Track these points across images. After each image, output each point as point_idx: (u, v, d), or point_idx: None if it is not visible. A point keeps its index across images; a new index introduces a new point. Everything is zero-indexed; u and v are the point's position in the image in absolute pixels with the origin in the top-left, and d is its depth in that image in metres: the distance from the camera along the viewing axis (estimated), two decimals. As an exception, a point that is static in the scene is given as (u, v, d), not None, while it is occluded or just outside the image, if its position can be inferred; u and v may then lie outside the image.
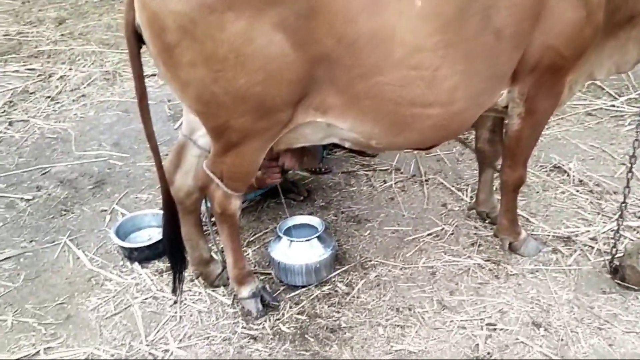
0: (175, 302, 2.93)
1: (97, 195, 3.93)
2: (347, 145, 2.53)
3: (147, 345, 2.70)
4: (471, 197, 3.68)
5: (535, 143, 2.86)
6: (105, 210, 3.76)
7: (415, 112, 2.27)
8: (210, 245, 3.04)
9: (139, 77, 2.27)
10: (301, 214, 3.48)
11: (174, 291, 2.74)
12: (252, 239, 3.40)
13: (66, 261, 3.32)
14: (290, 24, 2.03)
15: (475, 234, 3.35)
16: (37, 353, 2.72)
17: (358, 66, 2.13)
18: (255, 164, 2.46)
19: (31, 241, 3.50)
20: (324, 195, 3.77)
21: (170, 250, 2.61)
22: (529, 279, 2.99)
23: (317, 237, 2.99)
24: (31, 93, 5.39)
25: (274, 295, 2.93)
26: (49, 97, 5.29)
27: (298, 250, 2.94)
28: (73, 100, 5.26)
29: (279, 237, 3.01)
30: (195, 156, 2.69)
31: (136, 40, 2.23)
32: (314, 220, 3.12)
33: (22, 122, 4.91)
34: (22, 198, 3.89)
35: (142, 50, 2.33)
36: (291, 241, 2.97)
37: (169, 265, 2.73)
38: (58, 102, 5.23)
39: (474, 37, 2.21)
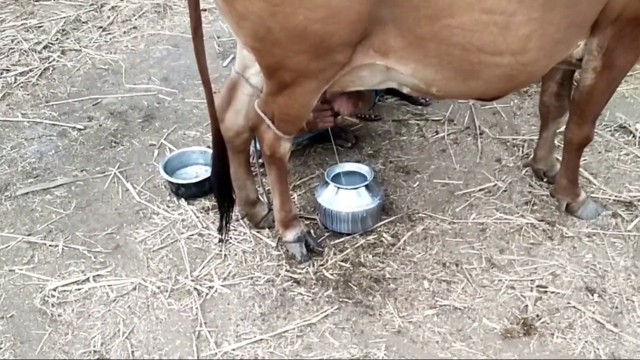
0: (220, 241, 2.94)
1: (145, 130, 3.93)
2: (405, 90, 2.41)
3: (192, 280, 2.73)
4: (527, 153, 3.52)
5: (607, 100, 2.67)
6: (154, 145, 3.76)
7: (484, 60, 2.12)
8: (257, 186, 3.01)
9: (195, 6, 2.18)
10: (349, 161, 3.41)
11: (220, 230, 2.73)
12: (298, 183, 3.35)
13: (115, 192, 3.36)
14: None
15: (529, 192, 3.21)
16: (87, 280, 2.79)
17: (426, 6, 1.99)
18: (309, 107, 2.37)
19: (82, 170, 3.55)
20: (373, 143, 3.67)
21: (219, 189, 2.59)
22: (585, 243, 2.86)
23: (365, 185, 2.91)
24: (83, 22, 5.37)
25: (319, 240, 2.90)
26: (100, 27, 5.26)
27: (345, 198, 2.89)
28: (124, 32, 5.23)
29: (327, 183, 2.95)
30: (247, 94, 2.62)
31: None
32: (362, 168, 3.04)
33: (74, 51, 4.92)
34: (74, 127, 3.93)
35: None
36: (338, 188, 2.90)
37: (216, 204, 2.71)
38: (109, 33, 5.20)
39: (555, -20, 2.03)
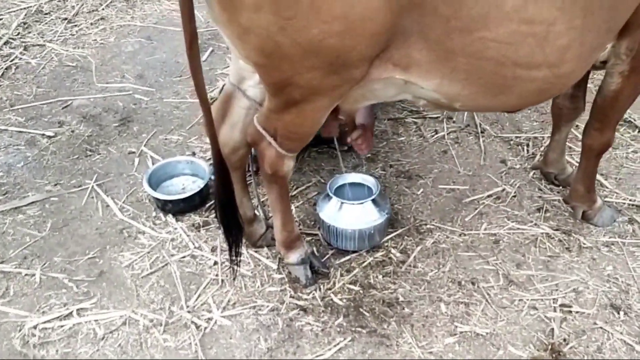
0: (215, 264, 2.70)
1: (123, 135, 3.63)
2: (420, 103, 2.19)
3: (189, 311, 2.49)
4: (532, 153, 3.36)
5: (631, 105, 2.50)
6: (133, 153, 3.47)
7: (519, 75, 1.91)
8: (252, 197, 2.76)
9: (190, 17, 1.89)
10: (347, 166, 3.19)
11: (231, 261, 2.46)
12: (294, 193, 3.12)
13: (95, 209, 3.08)
14: None
15: (540, 197, 3.05)
16: (70, 314, 2.52)
17: (458, 17, 1.76)
18: (317, 124, 2.13)
19: (56, 184, 3.24)
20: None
21: (224, 218, 2.32)
22: (603, 253, 2.72)
23: (372, 199, 2.70)
24: (46, 14, 4.98)
25: (323, 260, 2.69)
26: (65, 19, 4.88)
27: (350, 214, 2.67)
28: (91, 24, 4.86)
29: (329, 197, 2.73)
30: (243, 108, 2.36)
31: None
32: (368, 180, 2.82)
33: (38, 47, 4.54)
34: (43, 134, 3.61)
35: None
36: (342, 203, 2.68)
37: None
38: (75, 25, 4.83)
39: (596, -15, 1.82)
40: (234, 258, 2.41)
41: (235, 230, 2.36)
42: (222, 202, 2.29)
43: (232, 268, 2.55)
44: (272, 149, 2.25)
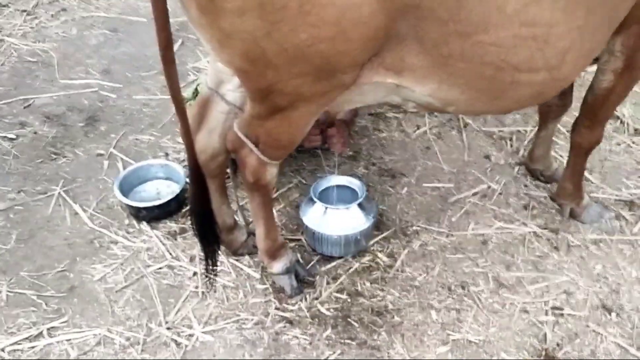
0: (194, 274, 2.57)
1: (90, 135, 3.44)
2: (408, 106, 2.08)
3: (168, 327, 2.36)
4: (516, 148, 3.29)
5: (621, 102, 2.44)
6: (102, 155, 3.29)
7: (517, 79, 1.82)
8: (232, 201, 2.63)
9: (164, 23, 1.74)
10: (328, 166, 3.07)
11: (208, 275, 2.34)
12: (274, 195, 2.99)
13: (62, 217, 2.90)
14: None
15: (526, 194, 2.99)
16: (40, 335, 2.36)
17: (457, 21, 1.65)
18: (303, 131, 2.01)
19: (19, 191, 3.05)
20: (351, 143, 3.33)
21: (201, 229, 2.19)
22: (592, 252, 2.68)
23: (358, 203, 2.60)
24: (4, 6, 4.68)
25: (308, 267, 2.58)
26: (24, 10, 4.60)
27: (335, 219, 2.56)
28: (52, 16, 4.59)
29: (313, 201, 2.61)
30: (222, 113, 2.22)
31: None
32: (353, 182, 2.71)
33: (-5, 41, 4.27)
34: (4, 137, 3.39)
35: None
36: (327, 208, 2.57)
37: (200, 248, 2.31)
38: (36, 17, 4.55)
39: (598, -18, 1.73)
40: (211, 269, 2.29)
41: (212, 241, 2.23)
42: (198, 212, 2.15)
43: (212, 279, 2.42)
44: (254, 157, 2.12)
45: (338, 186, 2.73)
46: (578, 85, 2.82)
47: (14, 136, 3.40)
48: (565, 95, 2.66)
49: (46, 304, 2.49)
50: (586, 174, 3.07)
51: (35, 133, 3.44)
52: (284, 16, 1.55)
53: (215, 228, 2.26)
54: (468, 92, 1.85)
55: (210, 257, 2.29)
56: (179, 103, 1.91)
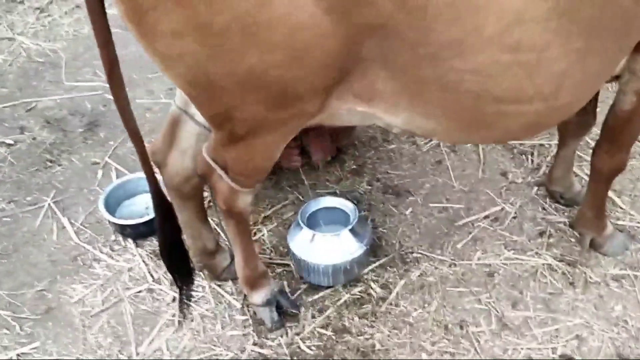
0: (174, 300, 2.42)
1: (88, 142, 3.33)
2: (394, 131, 1.85)
3: (138, 360, 2.22)
4: (537, 164, 2.99)
5: (648, 126, 2.13)
6: (97, 164, 3.17)
7: (503, 110, 1.56)
8: (214, 231, 2.46)
9: (105, 46, 1.59)
10: (328, 180, 2.86)
11: (181, 308, 2.20)
12: (268, 213, 2.81)
13: (49, 231, 2.80)
14: None
15: (543, 218, 2.70)
16: (9, 361, 2.26)
17: (427, 44, 1.41)
18: (271, 160, 1.81)
19: (10, 201, 2.97)
20: (356, 155, 3.11)
21: (170, 263, 2.03)
22: (613, 289, 2.39)
23: (349, 229, 2.38)
24: (19, 2, 4.63)
25: (294, 298, 2.39)
26: (38, 8, 4.54)
27: (323, 246, 2.36)
28: (65, 13, 4.51)
29: (301, 226, 2.41)
30: (193, 134, 2.05)
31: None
32: (345, 205, 2.50)
33: (6, 40, 4.22)
34: (2, 142, 3.32)
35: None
36: (314, 234, 2.36)
37: (171, 280, 2.16)
38: (49, 15, 4.49)
39: (604, 1, 1.44)
40: (185, 300, 2.13)
41: (183, 272, 2.07)
42: (166, 245, 1.99)
43: (188, 308, 2.27)
44: (224, 183, 1.94)
45: (330, 208, 2.51)
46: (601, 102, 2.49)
47: (11, 142, 3.32)
48: (587, 112, 2.36)
49: (20, 327, 2.40)
50: (613, 196, 2.76)
51: (33, 139, 3.35)
52: (227, 39, 1.35)
53: (186, 257, 2.09)
54: (446, 122, 1.60)
55: (182, 287, 2.14)
56: (133, 127, 1.75)
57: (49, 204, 2.92)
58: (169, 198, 2.11)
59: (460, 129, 1.63)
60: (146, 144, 3.21)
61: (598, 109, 2.47)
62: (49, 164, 3.19)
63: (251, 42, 1.36)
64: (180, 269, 2.09)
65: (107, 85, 3.76)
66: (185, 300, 2.17)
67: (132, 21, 1.43)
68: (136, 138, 1.81)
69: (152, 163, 1.98)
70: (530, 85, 1.51)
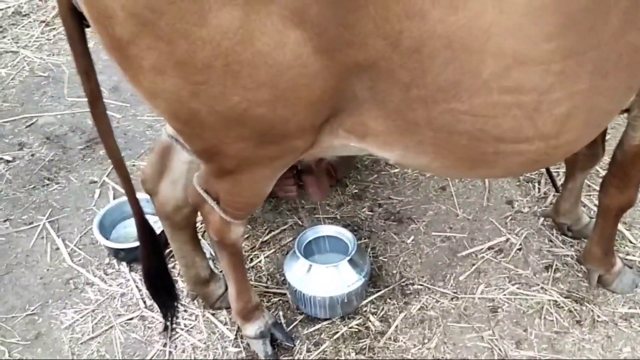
0: (166, 329, 2.35)
1: (87, 160, 3.29)
2: (390, 162, 1.77)
3: (126, 393, 2.15)
4: (544, 192, 2.90)
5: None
6: (95, 182, 3.12)
7: (502, 150, 1.49)
8: (211, 259, 2.40)
9: (86, 74, 1.54)
10: (329, 204, 2.78)
11: (166, 330, 2.14)
12: (265, 238, 2.74)
13: (43, 252, 2.75)
14: (313, 17, 1.23)
15: (549, 251, 2.61)
16: (-6, 390, 2.20)
17: (421, 85, 1.34)
18: (261, 195, 1.75)
19: (6, 220, 2.92)
20: (358, 179, 3.03)
21: (154, 292, 1.97)
22: (621, 329, 2.29)
23: (348, 259, 2.30)
24: (24, 15, 4.62)
25: (289, 330, 2.31)
26: (43, 21, 4.52)
27: (321, 277, 2.28)
28: (71, 27, 4.48)
29: (297, 256, 2.34)
30: (184, 162, 1.99)
31: (77, 19, 1.48)
32: (344, 234, 2.42)
33: (10, 53, 4.20)
34: (1, 159, 3.28)
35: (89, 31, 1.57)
36: (311, 265, 2.29)
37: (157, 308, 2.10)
38: (53, 29, 4.47)
39: (614, 39, 1.37)
40: (170, 331, 2.08)
41: (169, 303, 2.01)
42: (149, 273, 1.93)
43: (179, 338, 2.20)
44: (216, 214, 1.87)
45: (328, 237, 2.44)
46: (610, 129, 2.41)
47: (10, 158, 3.29)
48: (595, 144, 2.27)
49: (9, 353, 2.34)
50: (623, 229, 2.67)
51: (32, 155, 3.31)
52: (209, 77, 1.29)
53: (171, 285, 2.03)
54: (441, 160, 1.53)
55: (168, 314, 2.07)
56: (117, 159, 1.70)
57: (45, 225, 2.87)
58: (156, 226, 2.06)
59: (455, 166, 1.56)
60: (144, 164, 3.18)
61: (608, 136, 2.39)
62: (47, 181, 3.14)
63: (235, 79, 1.30)
64: (163, 295, 2.02)
65: (109, 102, 3.77)
66: (170, 328, 2.10)
67: (114, 55, 1.38)
68: (120, 168, 1.75)
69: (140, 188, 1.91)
70: (531, 126, 1.43)
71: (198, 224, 2.48)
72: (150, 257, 1.94)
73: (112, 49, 1.35)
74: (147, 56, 1.29)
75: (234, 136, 1.43)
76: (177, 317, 2.13)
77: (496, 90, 1.35)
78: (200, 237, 2.45)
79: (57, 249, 2.76)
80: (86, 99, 1.66)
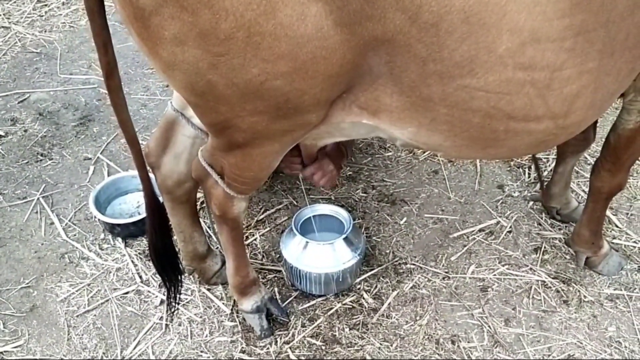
0: (162, 303, 2.38)
1: (80, 137, 3.28)
2: (397, 143, 1.81)
3: (123, 364, 2.18)
4: (534, 178, 2.97)
5: (651, 146, 2.11)
6: (89, 159, 3.12)
7: (512, 128, 1.53)
8: (207, 237, 2.42)
9: (104, 47, 1.56)
10: (324, 187, 2.81)
11: (171, 310, 2.16)
12: (261, 217, 2.77)
13: (37, 227, 2.75)
14: None
15: (538, 234, 2.68)
16: (-9, 359, 2.21)
17: (438, 60, 1.37)
18: (268, 169, 1.77)
19: (-1, 194, 2.91)
20: (352, 162, 3.07)
21: (160, 267, 2.00)
22: (607, 309, 2.36)
23: (343, 238, 2.34)
24: (16, -9, 4.57)
25: (284, 305, 2.35)
26: (35, -3, 4.47)
27: (316, 254, 2.32)
28: (63, 3, 4.45)
29: (294, 233, 2.37)
30: (189, 137, 2.00)
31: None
32: (339, 213, 2.46)
33: (2, 29, 4.15)
34: (-7, 134, 3.26)
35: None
36: (307, 242, 2.33)
37: (160, 282, 2.12)
38: (45, 4, 4.42)
39: (622, 18, 1.41)
40: (174, 303, 2.10)
41: (172, 275, 2.03)
42: (156, 248, 1.95)
43: (176, 312, 2.23)
44: (220, 189, 1.89)
45: (324, 215, 2.48)
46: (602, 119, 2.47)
47: (3, 133, 3.27)
48: (587, 129, 2.33)
49: (4, 324, 2.34)
50: (610, 214, 2.74)
51: (25, 131, 3.30)
52: (230, 48, 1.31)
53: (176, 261, 2.06)
54: (453, 138, 1.57)
55: (171, 290, 2.10)
56: (130, 131, 1.72)
57: (38, 199, 2.87)
58: (161, 200, 2.08)
59: (466, 145, 1.60)
60: (139, 141, 3.18)
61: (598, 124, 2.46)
62: (40, 157, 3.13)
63: (255, 51, 1.32)
64: (169, 271, 2.04)
65: (102, 79, 3.77)
66: (174, 303, 2.13)
67: (134, 26, 1.39)
68: (133, 143, 1.77)
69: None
70: (542, 104, 1.48)
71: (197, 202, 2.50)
72: (158, 233, 1.95)
73: (134, 19, 1.36)
74: (170, 26, 1.31)
75: (249, 109, 1.45)
76: (179, 293, 2.16)
77: (511, 66, 1.39)
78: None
79: (52, 223, 2.76)
80: (102, 74, 1.65)
